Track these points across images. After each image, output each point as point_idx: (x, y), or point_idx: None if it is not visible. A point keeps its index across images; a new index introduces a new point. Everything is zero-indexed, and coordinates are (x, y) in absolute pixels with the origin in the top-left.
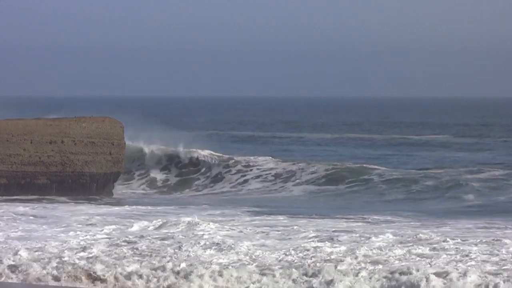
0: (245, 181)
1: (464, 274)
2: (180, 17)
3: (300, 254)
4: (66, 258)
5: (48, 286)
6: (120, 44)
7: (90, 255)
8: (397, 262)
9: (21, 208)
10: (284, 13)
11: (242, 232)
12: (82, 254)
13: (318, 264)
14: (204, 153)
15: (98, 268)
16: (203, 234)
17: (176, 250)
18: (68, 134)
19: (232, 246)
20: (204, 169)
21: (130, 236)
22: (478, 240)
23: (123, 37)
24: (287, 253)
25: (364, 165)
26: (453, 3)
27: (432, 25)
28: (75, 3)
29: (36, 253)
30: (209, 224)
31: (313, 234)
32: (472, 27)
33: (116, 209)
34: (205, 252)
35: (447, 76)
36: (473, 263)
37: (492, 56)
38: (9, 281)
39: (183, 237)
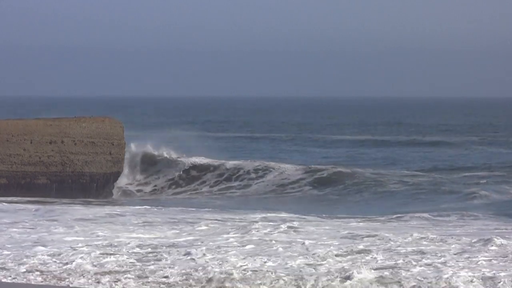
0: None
1: None
2: (180, 17)
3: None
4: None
5: (48, 286)
6: (120, 44)
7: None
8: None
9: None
10: (284, 13)
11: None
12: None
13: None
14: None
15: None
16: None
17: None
18: (68, 134)
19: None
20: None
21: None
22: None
23: (123, 37)
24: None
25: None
26: (453, 3)
27: (432, 25)
28: (76, 3)
29: None
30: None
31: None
32: (472, 27)
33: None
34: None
35: (447, 76)
36: None
37: (492, 56)
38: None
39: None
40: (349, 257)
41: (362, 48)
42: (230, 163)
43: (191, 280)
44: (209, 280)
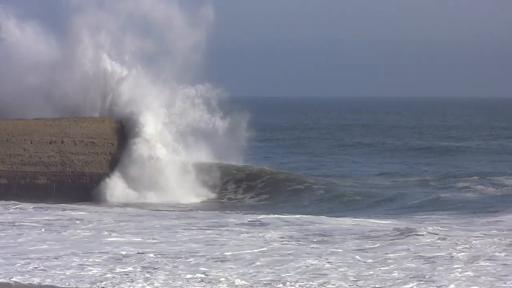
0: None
1: None
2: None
3: None
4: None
5: (48, 286)
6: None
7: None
8: None
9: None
10: (286, 15)
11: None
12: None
13: None
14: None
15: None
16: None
17: None
18: (68, 134)
19: None
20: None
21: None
22: None
23: None
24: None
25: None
26: (454, 3)
27: (433, 25)
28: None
29: None
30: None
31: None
32: (473, 27)
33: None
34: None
35: (448, 76)
36: None
37: (493, 56)
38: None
39: None
40: None
41: (363, 48)
42: None
43: None
44: None
